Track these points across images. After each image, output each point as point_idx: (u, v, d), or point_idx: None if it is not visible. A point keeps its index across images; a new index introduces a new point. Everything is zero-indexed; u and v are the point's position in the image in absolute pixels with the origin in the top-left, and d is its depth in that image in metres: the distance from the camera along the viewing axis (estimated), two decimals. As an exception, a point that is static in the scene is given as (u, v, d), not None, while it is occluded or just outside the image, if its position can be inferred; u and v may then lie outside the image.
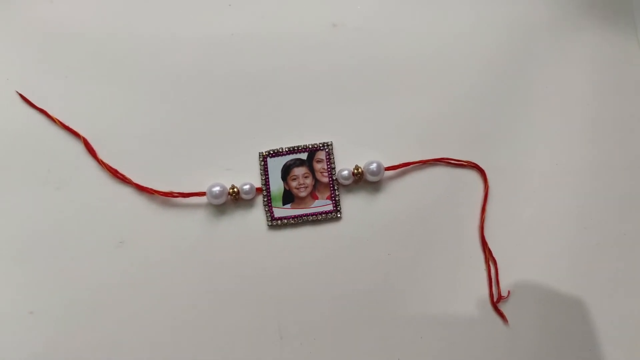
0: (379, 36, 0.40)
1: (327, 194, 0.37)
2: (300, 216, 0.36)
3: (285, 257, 0.36)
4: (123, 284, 0.36)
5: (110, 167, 0.37)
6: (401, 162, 0.37)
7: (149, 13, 0.40)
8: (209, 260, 0.36)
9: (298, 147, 0.37)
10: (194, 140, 0.38)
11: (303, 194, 0.37)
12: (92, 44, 0.40)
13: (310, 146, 0.37)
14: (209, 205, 0.37)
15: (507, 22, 0.40)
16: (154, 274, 0.36)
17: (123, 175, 0.37)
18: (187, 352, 0.35)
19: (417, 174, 0.38)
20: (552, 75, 0.39)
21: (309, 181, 0.37)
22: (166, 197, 0.37)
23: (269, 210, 0.37)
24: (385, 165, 0.37)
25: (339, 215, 0.37)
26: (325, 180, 0.37)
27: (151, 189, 0.36)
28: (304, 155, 0.37)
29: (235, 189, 0.36)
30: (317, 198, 0.37)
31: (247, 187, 0.36)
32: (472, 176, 0.38)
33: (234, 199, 0.36)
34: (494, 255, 0.36)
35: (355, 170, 0.37)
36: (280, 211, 0.36)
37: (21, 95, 0.39)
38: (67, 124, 0.38)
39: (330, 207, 0.37)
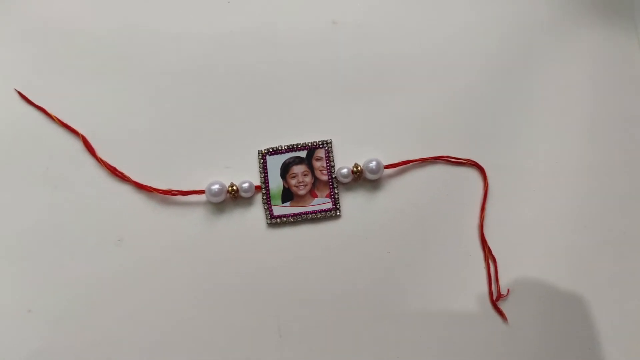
0: (378, 34, 0.40)
1: (327, 192, 0.37)
2: (300, 214, 0.36)
3: (284, 255, 0.36)
4: (122, 282, 0.35)
5: (109, 164, 0.37)
6: (401, 160, 0.37)
7: (148, 10, 0.40)
8: (208, 258, 0.36)
9: (297, 145, 0.37)
10: (193, 138, 0.38)
11: (302, 192, 0.37)
12: (91, 41, 0.40)
13: (309, 144, 0.37)
14: (208, 203, 0.37)
15: (508, 21, 0.40)
16: (153, 272, 0.36)
17: (122, 173, 0.37)
18: (186, 351, 0.35)
19: (417, 172, 0.38)
20: (552, 74, 0.39)
21: (308, 179, 0.37)
22: (165, 195, 0.37)
23: (268, 208, 0.37)
24: (385, 164, 0.37)
25: (338, 213, 0.36)
26: (325, 178, 0.37)
27: (150, 187, 0.36)
28: (303, 153, 0.37)
29: (235, 187, 0.36)
30: (316, 196, 0.37)
31: (246, 185, 0.36)
32: (472, 174, 0.38)
33: (233, 197, 0.36)
34: (494, 253, 0.36)
35: (355, 169, 0.36)
36: (279, 209, 0.36)
37: (19, 93, 0.39)
38: (65, 121, 0.38)
39: (329, 205, 0.36)
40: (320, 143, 0.37)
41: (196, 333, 0.35)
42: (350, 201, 0.37)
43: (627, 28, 0.40)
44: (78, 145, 0.38)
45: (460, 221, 0.37)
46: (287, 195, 0.37)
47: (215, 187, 0.36)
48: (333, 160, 0.37)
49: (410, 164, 0.37)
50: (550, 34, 0.40)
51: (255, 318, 0.35)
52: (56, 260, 0.36)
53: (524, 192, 0.37)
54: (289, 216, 0.36)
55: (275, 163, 0.37)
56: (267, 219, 0.36)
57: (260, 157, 0.37)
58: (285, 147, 0.37)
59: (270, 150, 0.37)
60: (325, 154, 0.37)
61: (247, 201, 0.37)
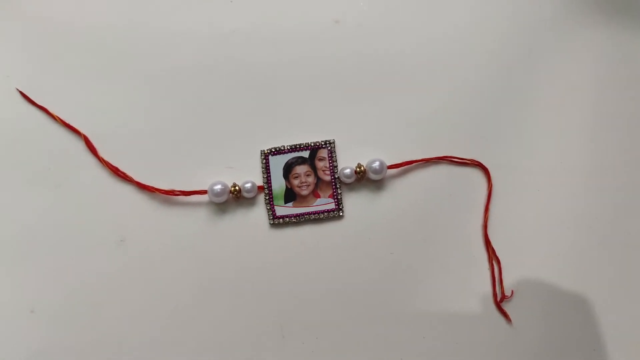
0: (381, 32, 0.39)
1: (329, 192, 0.37)
2: (302, 215, 0.36)
3: (287, 256, 0.36)
4: (124, 282, 0.35)
5: (111, 165, 0.37)
6: (404, 161, 0.37)
7: (150, 9, 0.40)
8: (210, 258, 0.36)
9: (300, 145, 0.37)
10: (196, 138, 0.38)
11: (305, 192, 0.36)
12: (93, 41, 0.39)
13: (312, 144, 0.37)
14: (211, 203, 0.37)
15: (511, 19, 0.40)
16: (155, 273, 0.36)
17: (124, 173, 0.37)
18: (189, 351, 0.35)
19: (420, 172, 0.37)
20: (557, 73, 0.39)
21: (311, 179, 0.37)
22: (167, 196, 0.36)
23: (270, 208, 0.36)
24: (388, 164, 0.36)
25: (341, 214, 0.36)
26: (328, 178, 0.37)
27: (152, 187, 0.36)
28: (306, 154, 0.37)
29: (237, 187, 0.36)
30: (319, 196, 0.36)
31: (248, 185, 0.36)
32: (476, 175, 0.37)
33: (236, 198, 0.36)
34: (498, 254, 0.36)
35: (358, 169, 0.36)
36: (282, 210, 0.36)
37: (21, 93, 0.38)
38: (67, 121, 0.38)
39: (332, 206, 0.36)
40: (323, 143, 0.37)
41: (198, 333, 0.35)
42: (353, 201, 0.37)
43: (632, 27, 0.39)
44: (80, 145, 0.37)
45: (463, 222, 0.36)
46: (290, 195, 0.37)
47: (218, 187, 0.36)
48: (336, 161, 0.37)
49: (414, 164, 0.37)
50: (554, 32, 0.40)
51: (258, 318, 0.35)
52: (58, 260, 0.36)
53: (528, 193, 0.37)
54: (291, 216, 0.36)
55: (277, 163, 0.37)
56: (269, 219, 0.36)
57: (262, 157, 0.37)
58: (288, 147, 0.37)
59: (273, 150, 0.37)
60: (328, 154, 0.37)
61: (250, 201, 0.37)
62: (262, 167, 0.37)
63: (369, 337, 0.35)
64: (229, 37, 0.39)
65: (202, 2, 0.40)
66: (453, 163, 0.37)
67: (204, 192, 0.36)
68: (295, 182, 0.37)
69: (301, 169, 0.37)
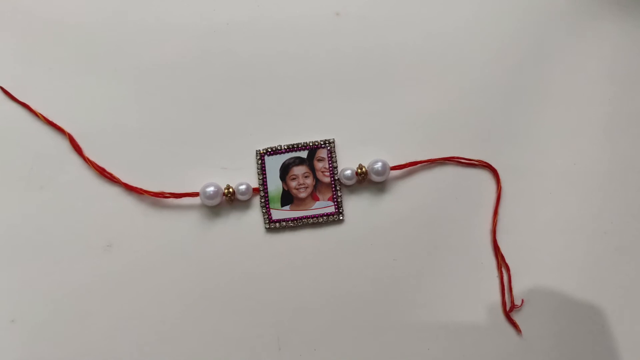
0: (384, 26, 0.39)
1: (329, 194, 0.36)
2: (300, 218, 0.35)
3: (284, 262, 0.35)
4: (110, 290, 0.35)
5: (97, 165, 0.36)
6: (408, 161, 0.36)
7: (139, 0, 0.39)
8: (202, 265, 0.35)
9: (298, 144, 0.36)
10: (187, 136, 0.37)
11: (303, 194, 0.36)
12: (78, 34, 0.38)
13: (310, 144, 0.36)
14: (203, 206, 0.36)
15: (522, 12, 0.39)
16: (144, 280, 0.35)
17: (111, 174, 0.36)
18: (179, 364, 0.34)
19: (425, 173, 0.37)
20: (569, 68, 0.38)
21: (309, 181, 0.36)
22: (156, 198, 0.36)
23: (266, 212, 0.36)
24: (391, 165, 0.36)
25: (341, 217, 0.36)
26: (327, 180, 0.36)
27: (140, 189, 0.35)
28: (304, 154, 0.36)
29: (231, 189, 0.35)
30: (318, 199, 0.36)
31: (243, 187, 0.35)
32: (484, 176, 0.37)
33: (229, 200, 0.35)
34: (507, 261, 0.35)
35: (359, 170, 0.36)
36: (278, 213, 0.36)
37: (2, 88, 0.38)
38: (51, 119, 0.37)
39: (332, 209, 0.36)
40: (322, 143, 0.36)
41: (190, 345, 0.34)
42: (354, 205, 0.36)
43: (649, 21, 0.39)
44: (64, 144, 0.37)
45: (471, 227, 0.36)
46: (287, 198, 0.36)
47: (210, 189, 0.35)
48: (336, 161, 0.36)
49: (418, 165, 0.36)
50: (567, 24, 0.39)
51: (253, 329, 0.34)
52: (41, 266, 0.35)
53: (539, 196, 0.36)
54: (288, 220, 0.35)
55: (274, 164, 0.36)
56: (265, 223, 0.36)
57: (258, 157, 0.36)
58: (285, 147, 0.36)
59: (269, 150, 0.36)
60: (327, 154, 0.36)
61: (244, 204, 0.36)
62: (258, 168, 0.36)
63: (371, 350, 0.34)
64: (223, 30, 0.39)
65: (195, -8, 0.40)
66: (460, 164, 0.37)
67: (195, 194, 0.35)
68: (293, 183, 0.36)
69: (299, 170, 0.36)
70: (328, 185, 0.36)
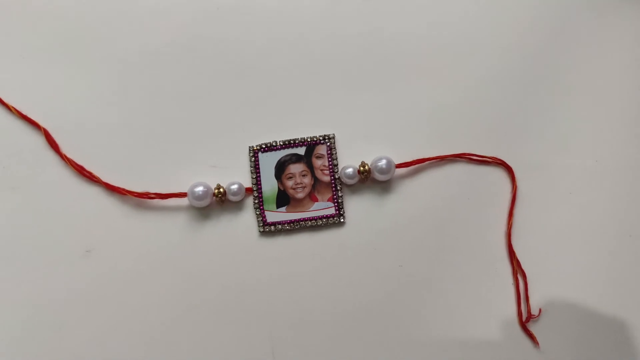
0: (390, 10, 0.38)
1: (329, 195, 0.35)
2: (297, 221, 0.35)
3: (279, 269, 0.34)
4: (90, 300, 0.34)
5: (76, 163, 0.35)
6: (415, 159, 0.35)
7: None
8: (191, 272, 0.34)
9: (295, 140, 0.36)
10: (174, 132, 0.36)
11: (300, 195, 0.35)
12: (54, 19, 0.38)
13: (308, 139, 0.36)
14: (191, 208, 0.35)
15: None
16: (126, 289, 0.34)
17: (90, 173, 0.35)
18: (166, 378, 0.33)
19: (434, 172, 0.36)
20: (591, 58, 0.37)
21: (307, 180, 0.35)
22: (140, 199, 0.35)
23: (260, 214, 0.35)
24: (397, 162, 0.35)
25: (342, 220, 0.35)
26: (327, 179, 0.35)
27: (123, 189, 0.35)
28: (301, 150, 0.36)
29: (221, 190, 0.34)
30: (316, 200, 0.35)
31: (235, 187, 0.35)
32: (498, 175, 0.36)
33: (220, 201, 0.35)
34: (523, 267, 0.34)
35: (362, 168, 0.35)
36: (273, 215, 0.35)
37: None
38: (24, 112, 0.36)
39: (332, 211, 0.35)
40: (321, 138, 0.36)
41: (177, 357, 0.33)
42: (356, 206, 0.35)
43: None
44: (39, 140, 0.36)
45: (484, 229, 0.35)
46: (283, 198, 0.35)
47: (199, 189, 0.34)
48: (336, 159, 0.36)
49: (426, 162, 0.36)
50: (589, 10, 0.38)
51: (246, 342, 0.33)
52: (14, 274, 0.34)
53: (558, 196, 0.36)
54: (284, 223, 0.35)
55: (268, 161, 0.35)
56: (259, 226, 0.35)
57: (251, 154, 0.36)
58: (281, 143, 0.36)
59: (263, 146, 0.36)
60: (327, 151, 0.36)
61: (236, 206, 0.35)
62: (251, 166, 0.35)
63: (374, 365, 0.33)
64: (212, 14, 0.38)
65: (182, -26, 0.39)
66: (472, 161, 0.36)
67: (183, 194, 0.34)
68: (289, 183, 0.35)
69: (296, 168, 0.35)
70: (328, 184, 0.35)
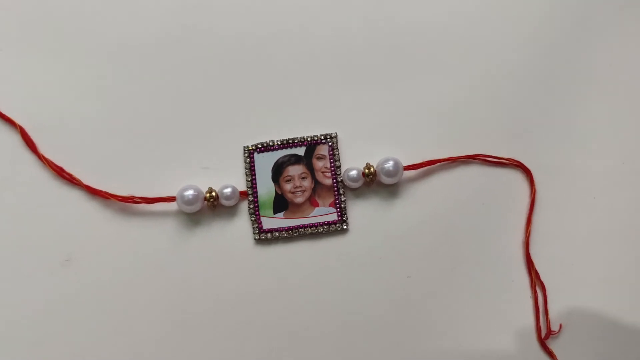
0: None
1: (330, 199, 0.34)
2: (296, 228, 0.34)
3: (276, 280, 0.34)
4: (70, 313, 0.33)
5: (54, 164, 0.35)
6: (425, 160, 0.35)
7: None
8: (180, 283, 0.33)
9: (294, 139, 0.35)
10: (162, 130, 0.36)
11: (300, 199, 0.34)
12: (32, 8, 0.37)
13: (309, 139, 0.35)
14: (180, 213, 0.34)
15: None
16: (109, 301, 0.33)
17: (70, 175, 0.34)
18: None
19: (445, 174, 0.35)
20: (617, 51, 0.37)
21: (307, 183, 0.34)
22: (125, 203, 0.34)
23: (256, 220, 0.34)
24: (405, 164, 0.34)
25: (345, 226, 0.34)
26: (328, 182, 0.35)
27: (106, 193, 0.34)
28: (301, 151, 0.35)
29: (214, 193, 0.34)
30: (317, 205, 0.34)
31: (228, 190, 0.34)
32: (515, 177, 0.35)
33: (212, 206, 0.34)
34: (542, 278, 0.34)
35: (366, 170, 0.34)
36: (270, 221, 0.34)
37: None
38: None
39: (334, 217, 0.34)
40: (322, 137, 0.35)
41: None
42: (360, 211, 0.35)
43: None
44: (15, 139, 0.35)
45: (500, 237, 0.34)
46: (281, 203, 0.34)
47: (189, 193, 0.33)
48: (339, 160, 0.35)
49: (437, 164, 0.35)
50: (611, 1, 0.38)
51: (240, 356, 0.33)
52: None
53: (581, 200, 0.35)
54: (282, 230, 0.34)
55: (265, 162, 0.35)
56: (254, 233, 0.34)
57: (246, 154, 0.35)
58: (279, 143, 0.35)
59: (259, 146, 0.35)
60: (328, 152, 0.35)
61: (230, 211, 0.35)
62: (246, 168, 0.35)
63: (380, 383, 0.33)
64: (203, 4, 0.37)
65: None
66: (486, 163, 0.35)
67: (171, 199, 0.34)
68: (288, 186, 0.34)
69: (295, 170, 0.35)
70: (329, 188, 0.35)
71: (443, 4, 0.37)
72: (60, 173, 0.34)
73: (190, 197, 0.33)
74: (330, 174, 0.34)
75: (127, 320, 0.32)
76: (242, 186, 0.34)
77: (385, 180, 0.34)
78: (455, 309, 0.33)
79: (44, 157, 0.34)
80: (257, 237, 0.34)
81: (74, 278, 0.33)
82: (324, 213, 0.34)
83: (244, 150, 0.35)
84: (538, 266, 0.33)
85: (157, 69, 0.36)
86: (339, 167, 0.35)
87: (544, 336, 0.33)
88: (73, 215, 0.34)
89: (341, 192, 0.34)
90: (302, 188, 0.34)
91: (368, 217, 0.34)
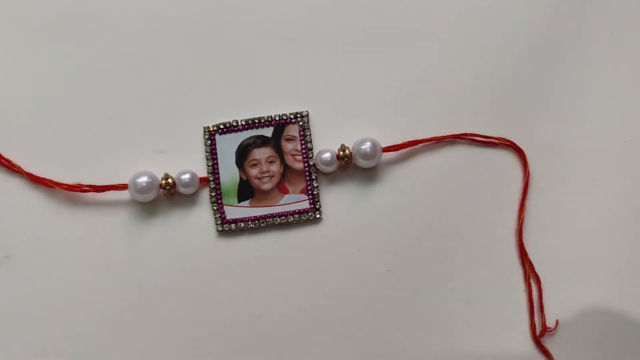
0: None
1: (302, 185, 0.33)
2: (263, 217, 0.33)
3: (242, 275, 0.32)
4: (11, 314, 0.31)
5: None
6: (406, 141, 0.33)
7: None
8: (134, 280, 0.32)
9: (260, 119, 0.34)
10: (112, 111, 0.34)
11: (267, 185, 0.33)
12: None
13: (277, 118, 0.34)
14: (133, 202, 0.33)
15: None
16: (55, 301, 0.32)
17: (9, 162, 0.33)
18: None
19: (429, 156, 0.34)
20: (617, 23, 0.35)
21: (275, 168, 0.33)
22: (72, 192, 0.33)
23: (218, 209, 0.33)
24: (383, 145, 0.33)
25: (318, 215, 0.33)
26: (299, 166, 0.33)
27: (50, 181, 0.33)
28: (268, 132, 0.34)
29: (170, 180, 0.32)
30: (287, 192, 0.33)
31: (186, 176, 0.32)
32: (507, 159, 0.34)
33: (169, 194, 0.33)
34: (537, 270, 0.33)
35: (341, 152, 0.33)
36: (234, 211, 0.33)
37: None
38: None
39: (305, 205, 0.33)
40: (292, 117, 0.34)
41: None
42: (334, 198, 0.34)
43: None
44: None
45: (490, 225, 0.33)
46: (246, 190, 0.33)
47: (143, 179, 0.32)
48: (311, 141, 0.34)
49: (419, 145, 0.34)
50: None
51: (202, 359, 0.31)
52: None
53: (579, 184, 0.34)
54: (248, 220, 0.33)
55: (228, 145, 0.33)
56: (217, 224, 0.33)
57: (207, 136, 0.33)
58: (243, 123, 0.34)
59: (222, 127, 0.33)
60: (299, 132, 0.34)
61: (189, 199, 0.33)
62: (207, 151, 0.33)
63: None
64: None
65: None
66: (474, 143, 0.34)
67: (123, 186, 0.32)
68: (254, 171, 0.33)
69: (261, 154, 0.33)
70: (300, 172, 0.33)
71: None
72: (-3, 159, 0.32)
73: (144, 184, 0.32)
74: (301, 157, 0.33)
75: (76, 323, 0.31)
76: (202, 172, 0.33)
77: (362, 163, 0.33)
78: (441, 306, 0.32)
79: (-22, 142, 0.32)
80: (219, 229, 0.32)
81: (14, 277, 0.32)
82: (294, 201, 0.33)
83: (204, 131, 0.33)
84: (532, 257, 0.32)
85: (104, 41, 0.34)
86: (311, 149, 0.33)
87: (539, 333, 0.32)
88: (13, 207, 0.33)
89: (313, 177, 0.33)
90: (269, 173, 0.33)
91: (343, 205, 0.33)
